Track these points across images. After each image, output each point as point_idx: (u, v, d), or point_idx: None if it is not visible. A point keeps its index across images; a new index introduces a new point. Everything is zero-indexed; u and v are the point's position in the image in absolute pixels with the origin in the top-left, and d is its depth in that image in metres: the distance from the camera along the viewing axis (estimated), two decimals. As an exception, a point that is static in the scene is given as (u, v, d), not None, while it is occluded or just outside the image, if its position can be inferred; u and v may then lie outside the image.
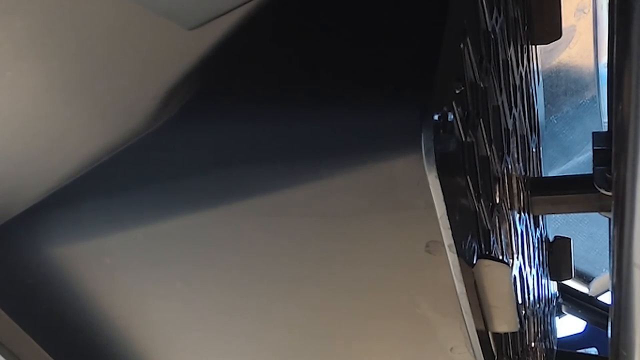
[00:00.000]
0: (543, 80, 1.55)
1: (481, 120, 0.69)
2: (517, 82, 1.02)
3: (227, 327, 0.75)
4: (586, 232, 2.39)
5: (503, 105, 0.86)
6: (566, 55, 2.08)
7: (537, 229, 1.24)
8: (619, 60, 0.62)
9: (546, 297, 1.40)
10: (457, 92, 0.59)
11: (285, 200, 0.58)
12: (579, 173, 1.21)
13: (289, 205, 0.59)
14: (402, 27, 0.61)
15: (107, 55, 0.58)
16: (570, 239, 1.46)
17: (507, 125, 0.90)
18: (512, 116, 0.95)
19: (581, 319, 1.90)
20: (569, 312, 1.87)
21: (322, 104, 0.58)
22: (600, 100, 2.13)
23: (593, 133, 0.99)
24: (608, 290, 1.89)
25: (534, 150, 1.27)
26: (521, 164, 1.06)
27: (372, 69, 0.59)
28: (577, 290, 1.91)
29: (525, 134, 1.12)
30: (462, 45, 0.62)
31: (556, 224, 2.10)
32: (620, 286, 0.78)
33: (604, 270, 2.39)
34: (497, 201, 0.79)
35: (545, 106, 1.65)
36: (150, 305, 0.73)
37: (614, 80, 0.66)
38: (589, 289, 2.39)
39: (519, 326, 0.67)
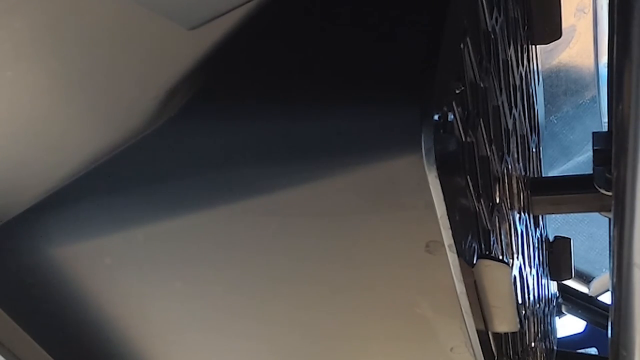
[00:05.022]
0: (543, 80, 1.55)
1: (481, 120, 0.69)
2: (517, 82, 1.02)
3: (227, 327, 0.75)
4: (586, 232, 2.39)
5: (503, 105, 0.86)
6: (566, 55, 2.08)
7: (537, 229, 1.24)
8: (619, 60, 0.62)
9: (546, 297, 1.40)
10: (457, 92, 0.59)
11: (285, 200, 0.58)
12: (579, 173, 1.21)
13: (289, 205, 0.59)
14: (402, 27, 0.61)
15: (107, 55, 0.58)
16: (570, 239, 1.46)
17: (507, 125, 0.90)
18: (512, 116, 0.95)
19: (581, 319, 1.90)
20: (569, 312, 1.87)
21: (322, 104, 0.58)
22: (600, 100, 2.13)
23: (593, 133, 0.99)
24: (608, 290, 1.89)
25: (534, 150, 1.27)
26: (521, 164, 1.06)
27: (372, 69, 0.59)
28: (577, 290, 1.91)
29: (525, 134, 1.12)
30: (462, 45, 0.62)
31: (556, 224, 2.10)
32: (620, 286, 0.78)
33: (604, 270, 2.39)
34: (497, 201, 0.79)
35: (545, 106, 1.65)
36: (151, 305, 0.73)
37: (614, 80, 0.66)
38: (589, 289, 2.39)
39: (519, 326, 0.67)
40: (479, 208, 0.66)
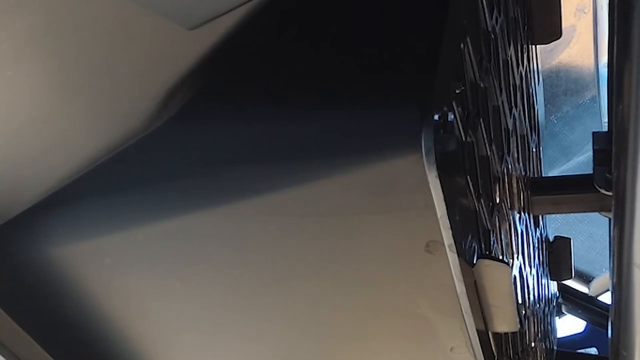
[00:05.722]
0: (543, 80, 1.55)
1: (481, 120, 0.69)
2: (517, 82, 1.02)
3: (227, 326, 0.75)
4: (586, 232, 2.39)
5: (503, 105, 0.86)
6: (566, 55, 2.08)
7: (537, 229, 1.24)
8: (619, 60, 0.62)
9: (546, 297, 1.40)
10: (457, 92, 0.59)
11: (285, 200, 0.58)
12: (579, 173, 1.21)
13: (289, 205, 0.59)
14: (402, 27, 0.61)
15: (107, 55, 0.58)
16: (570, 239, 1.46)
17: (507, 125, 0.90)
18: (512, 116, 0.95)
19: (581, 319, 1.90)
20: (569, 312, 1.87)
21: (322, 104, 0.58)
22: (600, 100, 2.13)
23: (593, 133, 0.99)
24: (608, 290, 1.89)
25: (534, 150, 1.27)
26: (521, 164, 1.06)
27: (372, 69, 0.59)
28: (577, 290, 1.91)
29: (525, 134, 1.12)
30: (462, 45, 0.62)
31: (556, 224, 2.10)
32: (620, 286, 0.78)
33: (604, 270, 2.39)
34: (497, 201, 0.79)
35: (545, 106, 1.65)
36: (150, 305, 0.73)
37: (614, 80, 0.66)
38: (589, 289, 2.39)
39: (519, 326, 0.67)
40: (479, 208, 0.66)
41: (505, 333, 0.78)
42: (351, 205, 0.57)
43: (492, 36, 0.79)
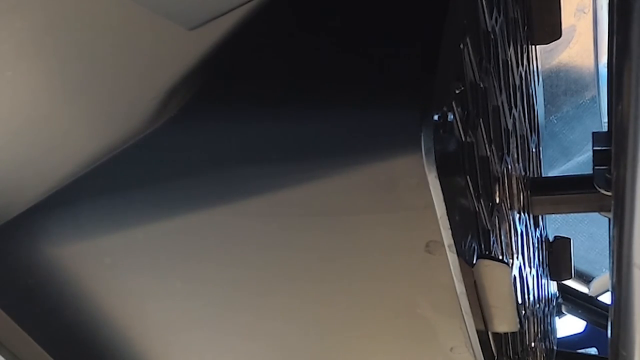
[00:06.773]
0: (543, 80, 1.55)
1: (481, 120, 0.69)
2: (517, 82, 1.02)
3: (227, 326, 0.75)
4: (586, 232, 2.39)
5: (503, 105, 0.86)
6: (566, 55, 2.08)
7: (537, 229, 1.24)
8: (619, 60, 0.62)
9: (546, 297, 1.40)
10: (457, 92, 0.59)
11: (285, 200, 0.58)
12: (579, 173, 1.21)
13: (289, 205, 0.59)
14: (402, 27, 0.61)
15: (107, 55, 0.58)
16: (570, 239, 1.46)
17: (507, 125, 0.90)
18: (512, 116, 0.95)
19: (581, 319, 1.90)
20: (569, 312, 1.87)
21: (322, 104, 0.58)
22: (600, 100, 2.13)
23: (593, 133, 0.99)
24: (608, 290, 1.89)
25: (534, 150, 1.27)
26: (521, 164, 1.06)
27: (372, 69, 0.59)
28: (577, 290, 1.91)
29: (525, 134, 1.12)
30: (462, 45, 0.62)
31: (556, 224, 2.10)
32: (620, 286, 0.78)
33: (604, 270, 2.39)
34: (497, 201, 0.79)
35: (545, 106, 1.65)
36: (150, 305, 0.73)
37: (614, 80, 0.66)
38: (589, 289, 2.39)
39: (519, 326, 0.67)
40: (479, 208, 0.66)
41: (505, 333, 0.78)
42: (351, 205, 0.57)
43: (492, 36, 0.79)
